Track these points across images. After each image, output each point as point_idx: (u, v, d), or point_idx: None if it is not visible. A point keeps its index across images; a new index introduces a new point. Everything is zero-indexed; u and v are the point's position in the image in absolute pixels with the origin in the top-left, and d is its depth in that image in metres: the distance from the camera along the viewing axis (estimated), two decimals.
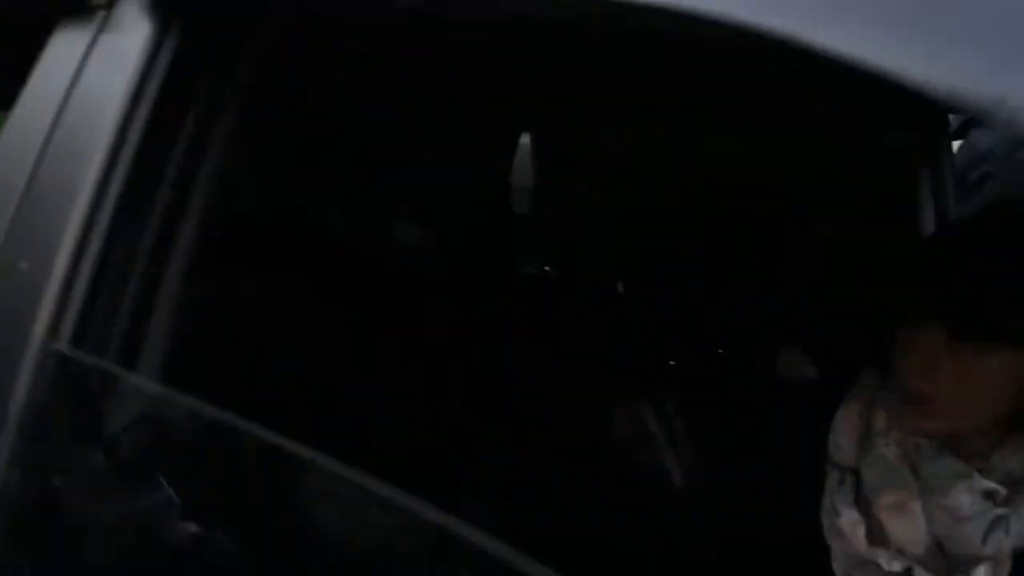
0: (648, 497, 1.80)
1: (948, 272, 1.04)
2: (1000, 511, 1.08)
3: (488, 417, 1.91)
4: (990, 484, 1.08)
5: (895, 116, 1.75)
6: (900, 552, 1.09)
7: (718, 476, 1.66)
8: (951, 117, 1.94)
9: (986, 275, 1.01)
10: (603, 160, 2.15)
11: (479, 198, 2.28)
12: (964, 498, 1.07)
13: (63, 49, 0.96)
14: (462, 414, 1.95)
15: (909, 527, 1.08)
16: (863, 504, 1.12)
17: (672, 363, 2.04)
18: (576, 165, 2.27)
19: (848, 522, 1.10)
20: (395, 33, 1.22)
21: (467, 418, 1.94)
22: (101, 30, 0.95)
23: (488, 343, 2.02)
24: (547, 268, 2.50)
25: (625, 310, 2.24)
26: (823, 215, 2.09)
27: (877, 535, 1.11)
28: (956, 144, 2.14)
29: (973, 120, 2.03)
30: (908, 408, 1.06)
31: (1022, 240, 1.01)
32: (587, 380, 1.90)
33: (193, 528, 0.81)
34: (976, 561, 1.08)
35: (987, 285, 1.01)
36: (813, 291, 1.93)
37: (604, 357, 1.96)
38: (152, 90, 0.93)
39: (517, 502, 1.67)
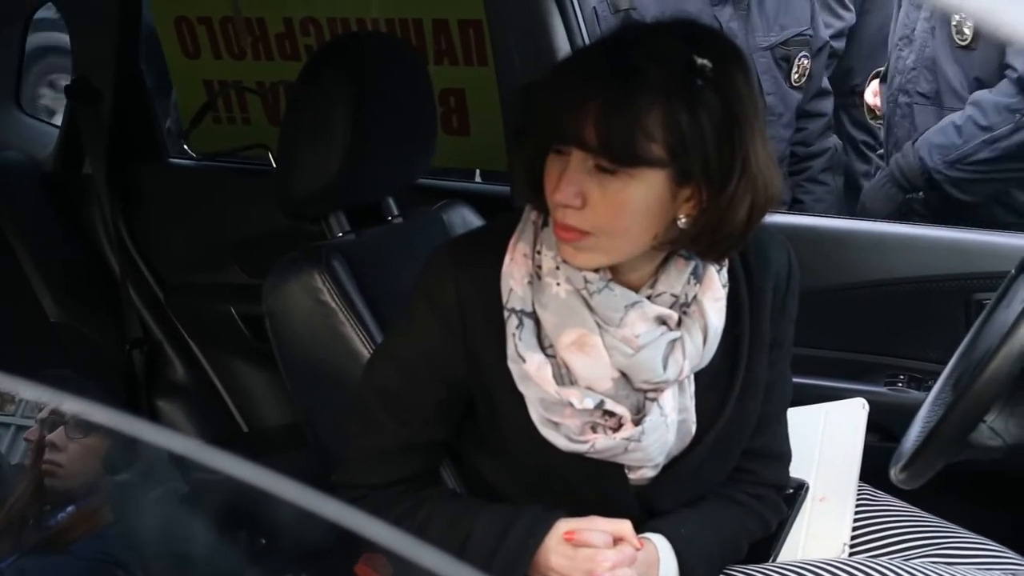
0: None
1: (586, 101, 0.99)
2: (674, 335, 1.08)
3: None
4: (660, 309, 1.08)
5: None
6: (590, 389, 1.08)
7: None
8: None
9: (624, 100, 0.97)
10: None
11: None
12: (639, 326, 1.07)
13: None
14: None
15: (593, 363, 1.07)
16: (546, 346, 1.09)
17: None
18: None
19: (534, 365, 1.07)
20: None
21: None
22: None
23: None
24: None
25: None
26: None
27: (565, 376, 1.09)
28: None
29: None
30: (566, 244, 1.04)
31: (658, 63, 0.98)
32: None
33: None
34: (661, 387, 1.09)
35: (624, 111, 0.97)
36: None
37: None
38: None
39: None
